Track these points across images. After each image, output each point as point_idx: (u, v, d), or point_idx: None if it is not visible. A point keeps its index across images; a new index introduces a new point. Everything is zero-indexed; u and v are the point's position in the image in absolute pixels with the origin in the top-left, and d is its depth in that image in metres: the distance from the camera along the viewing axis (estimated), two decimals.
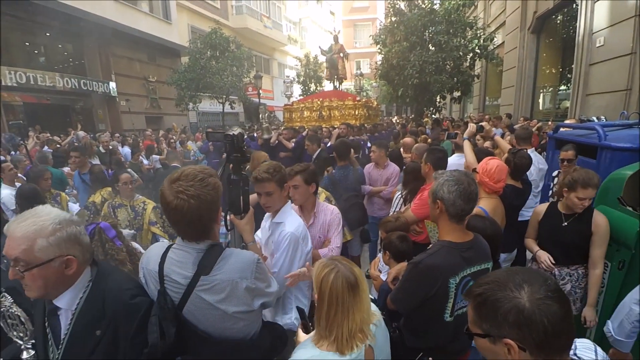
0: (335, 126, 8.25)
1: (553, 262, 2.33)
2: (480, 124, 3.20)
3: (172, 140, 9.97)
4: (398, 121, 15.49)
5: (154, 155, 8.17)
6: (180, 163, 4.87)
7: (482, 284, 0.88)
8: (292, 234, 1.95)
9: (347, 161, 4.02)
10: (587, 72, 7.06)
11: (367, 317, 1.28)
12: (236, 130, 1.64)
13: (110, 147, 7.66)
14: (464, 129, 4.57)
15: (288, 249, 1.94)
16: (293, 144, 6.79)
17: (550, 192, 3.75)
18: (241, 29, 20.50)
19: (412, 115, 15.69)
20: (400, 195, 3.27)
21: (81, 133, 8.60)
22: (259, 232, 2.28)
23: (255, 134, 8.73)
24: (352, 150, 4.18)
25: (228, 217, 1.76)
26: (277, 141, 6.80)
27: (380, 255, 2.41)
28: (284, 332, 1.62)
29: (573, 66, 7.60)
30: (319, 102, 11.31)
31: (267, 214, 2.22)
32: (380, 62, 14.03)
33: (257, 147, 6.73)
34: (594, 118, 5.03)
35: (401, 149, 5.36)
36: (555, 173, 3.69)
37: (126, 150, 8.44)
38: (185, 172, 1.24)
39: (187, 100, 14.51)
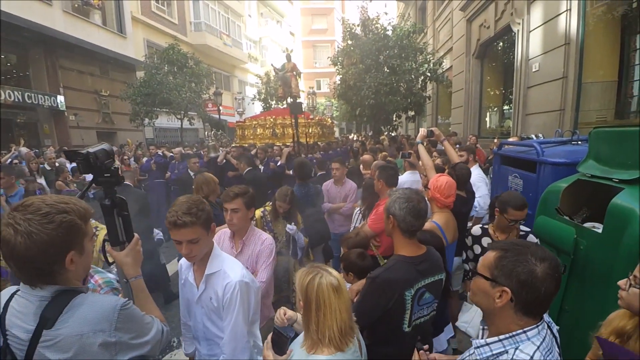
0: (288, 144, 8.22)
1: None
2: (430, 128, 3.44)
3: (125, 157, 9.48)
4: (357, 139, 15.89)
5: None
6: (132, 181, 4.58)
7: (511, 244, 1.08)
8: (240, 282, 1.63)
9: (308, 180, 4.05)
10: (526, 94, 7.68)
11: (352, 316, 1.37)
12: (96, 148, 1.35)
13: (57, 165, 7.15)
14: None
15: (242, 303, 1.64)
16: None
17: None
18: (200, 45, 20.29)
19: (371, 133, 16.19)
20: (359, 211, 3.35)
21: (24, 149, 7.95)
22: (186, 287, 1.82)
23: (202, 152, 8.46)
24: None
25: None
26: (224, 160, 6.60)
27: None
28: None
29: (513, 88, 8.27)
30: (272, 120, 11.28)
31: (182, 263, 1.86)
32: (338, 83, 14.44)
33: (203, 166, 6.56)
34: (533, 136, 5.46)
35: (361, 166, 5.49)
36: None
37: (74, 167, 7.93)
38: (29, 201, 1.02)
39: (143, 116, 13.96)
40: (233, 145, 8.99)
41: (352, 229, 3.36)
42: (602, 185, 2.29)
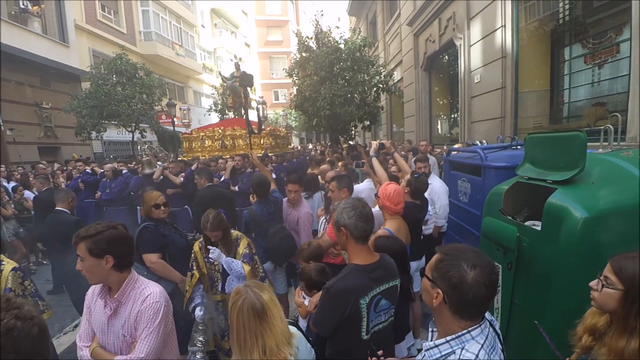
0: (236, 156, 7.54)
1: None
2: (381, 141, 3.55)
3: (74, 173, 8.76)
4: (313, 148, 15.97)
5: None
6: (68, 207, 3.91)
7: (452, 248, 1.13)
8: None
9: (267, 197, 3.87)
10: (470, 103, 8.18)
11: (283, 339, 1.30)
12: None
13: None
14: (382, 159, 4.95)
15: None
16: (182, 179, 5.99)
17: None
18: (151, 55, 19.55)
19: (329, 143, 16.40)
20: (324, 220, 3.35)
21: None
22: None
23: (137, 168, 7.69)
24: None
25: None
26: (162, 177, 5.96)
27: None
28: None
29: (459, 98, 8.78)
30: (220, 131, 10.64)
31: None
32: (295, 94, 14.49)
33: (139, 182, 6.04)
34: (478, 142, 5.83)
35: (319, 177, 5.50)
36: None
37: (12, 186, 7.19)
38: None
39: (90, 129, 13.08)
40: (171, 160, 8.23)
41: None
42: (539, 186, 2.47)
